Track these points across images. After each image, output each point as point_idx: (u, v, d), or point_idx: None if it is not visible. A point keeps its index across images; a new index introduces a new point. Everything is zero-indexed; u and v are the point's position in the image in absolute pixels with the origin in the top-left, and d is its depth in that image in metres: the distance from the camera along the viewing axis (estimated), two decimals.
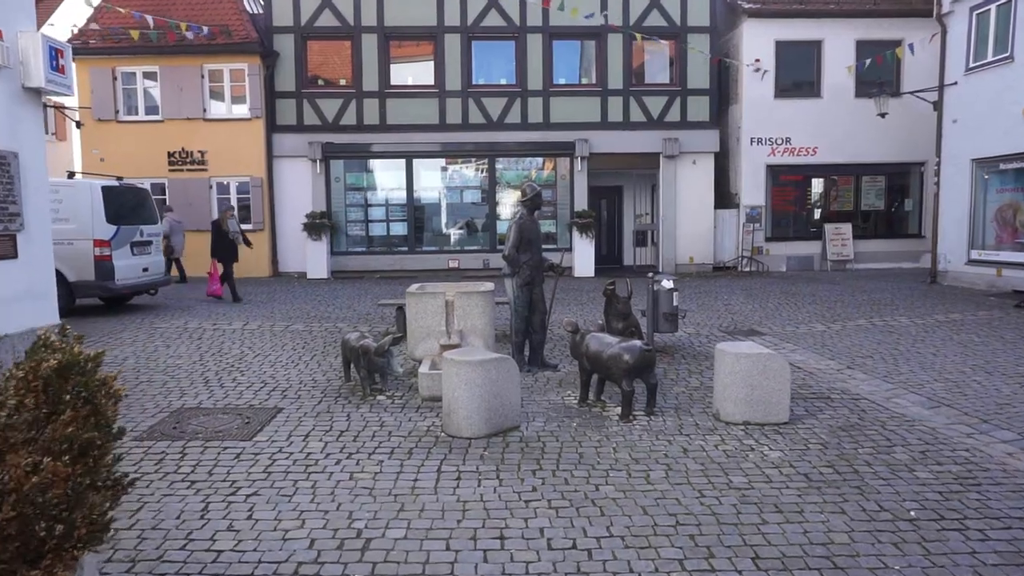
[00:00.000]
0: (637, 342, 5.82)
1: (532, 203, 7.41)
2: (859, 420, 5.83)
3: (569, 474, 4.61)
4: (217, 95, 17.57)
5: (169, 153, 17.34)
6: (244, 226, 17.46)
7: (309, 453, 4.95)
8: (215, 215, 17.27)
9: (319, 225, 17.14)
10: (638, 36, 17.30)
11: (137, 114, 17.48)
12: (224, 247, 12.78)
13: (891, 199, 19.25)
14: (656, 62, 18.60)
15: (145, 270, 11.63)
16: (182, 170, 17.39)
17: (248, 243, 13.39)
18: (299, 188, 17.76)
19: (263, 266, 17.58)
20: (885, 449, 5.10)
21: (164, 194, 17.37)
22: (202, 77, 17.19)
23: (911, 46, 16.20)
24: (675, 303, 8.66)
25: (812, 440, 5.31)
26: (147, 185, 16.89)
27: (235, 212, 13.79)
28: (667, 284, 8.56)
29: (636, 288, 8.73)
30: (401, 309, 9.51)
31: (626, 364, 5.68)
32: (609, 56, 17.99)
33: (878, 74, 18.07)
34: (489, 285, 7.33)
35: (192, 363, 7.77)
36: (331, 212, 17.90)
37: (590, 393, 6.26)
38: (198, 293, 13.95)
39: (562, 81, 18.40)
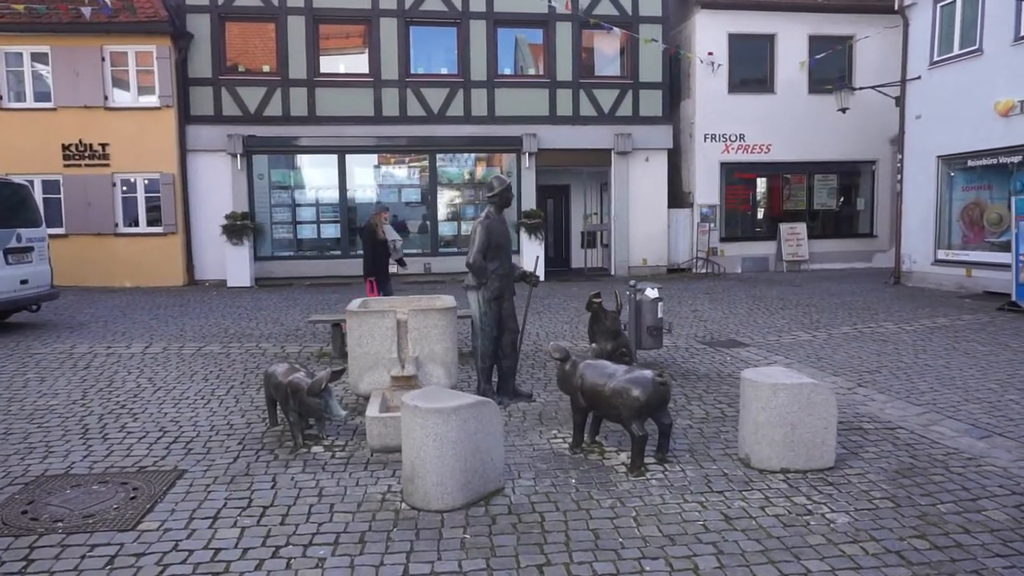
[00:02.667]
0: (647, 372, 4.60)
1: (501, 199, 6.11)
2: (912, 460, 4.78)
3: (590, 569, 3.33)
4: (121, 81, 15.50)
5: (64, 146, 15.17)
6: (152, 228, 15.58)
7: (218, 551, 3.49)
8: (110, 215, 15.27)
9: (240, 227, 15.33)
10: (591, 21, 16.22)
11: (24, 100, 15.23)
12: (379, 260, 9.26)
13: (843, 198, 18.85)
14: (607, 53, 17.59)
15: (24, 282, 9.70)
16: (80, 165, 15.25)
17: (403, 263, 9.73)
18: (217, 186, 15.88)
19: (176, 274, 15.62)
20: (970, 505, 4.04)
21: (59, 192, 15.22)
22: (102, 60, 15.09)
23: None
24: (660, 315, 7.54)
25: (874, 493, 4.21)
26: (37, 182, 14.86)
27: (389, 214, 9.92)
28: (651, 293, 7.44)
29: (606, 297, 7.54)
30: (338, 326, 8.06)
31: (636, 401, 4.46)
32: (558, 46, 16.86)
33: (830, 70, 17.64)
34: (449, 299, 5.99)
35: (70, 404, 6.10)
36: (254, 213, 16.09)
37: (584, 435, 5.01)
38: (97, 308, 12.01)
39: (507, 71, 17.17)
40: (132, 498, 4.07)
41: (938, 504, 4.07)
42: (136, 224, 15.65)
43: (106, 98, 15.25)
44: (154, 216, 15.63)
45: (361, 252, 9.78)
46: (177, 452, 4.89)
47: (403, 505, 4.01)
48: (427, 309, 5.57)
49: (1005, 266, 11.72)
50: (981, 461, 4.76)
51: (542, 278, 5.51)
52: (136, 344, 8.68)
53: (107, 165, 15.32)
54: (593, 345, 5.14)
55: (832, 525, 3.80)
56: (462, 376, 6.69)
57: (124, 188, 15.57)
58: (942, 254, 13.44)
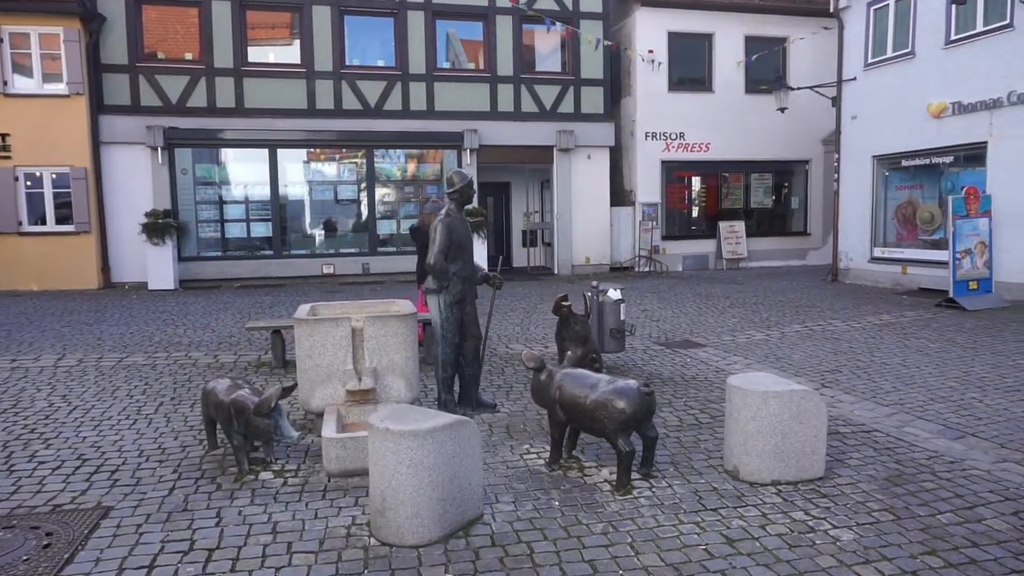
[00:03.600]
0: (631, 382, 4.28)
1: (462, 196, 5.68)
2: (898, 466, 4.63)
3: None
4: (23, 66, 14.18)
5: None
6: (62, 227, 14.35)
7: None
8: (12, 212, 13.97)
9: (162, 226, 14.28)
10: (533, 13, 15.91)
11: None
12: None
13: (778, 197, 19.22)
14: (548, 49, 17.33)
15: None
16: None
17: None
18: (136, 181, 14.76)
19: (89, 276, 14.43)
20: (969, 514, 3.89)
21: None
22: (0, 41, 13.76)
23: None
24: (622, 316, 7.27)
25: (871, 504, 4.01)
26: None
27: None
28: (614, 295, 7.16)
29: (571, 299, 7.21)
30: (277, 333, 7.44)
31: (621, 414, 4.12)
32: (499, 39, 16.47)
33: (765, 71, 17.92)
34: (407, 305, 5.50)
35: None
36: (177, 210, 15.05)
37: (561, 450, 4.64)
38: (5, 312, 10.89)
39: (447, 65, 16.66)
40: (46, 546, 3.45)
41: (937, 515, 3.89)
42: (43, 222, 14.37)
43: (5, 83, 13.91)
44: (64, 213, 14.38)
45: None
46: (100, 485, 4.25)
47: (372, 541, 3.54)
48: (385, 316, 5.08)
49: (939, 263, 12.08)
50: (964, 464, 4.65)
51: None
52: (46, 356, 7.79)
53: (7, 157, 13.99)
54: (569, 353, 4.77)
55: (839, 543, 3.56)
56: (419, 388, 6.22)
57: (28, 183, 14.26)
58: (878, 251, 13.78)
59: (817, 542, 3.58)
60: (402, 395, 5.06)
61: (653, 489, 4.24)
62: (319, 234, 16.38)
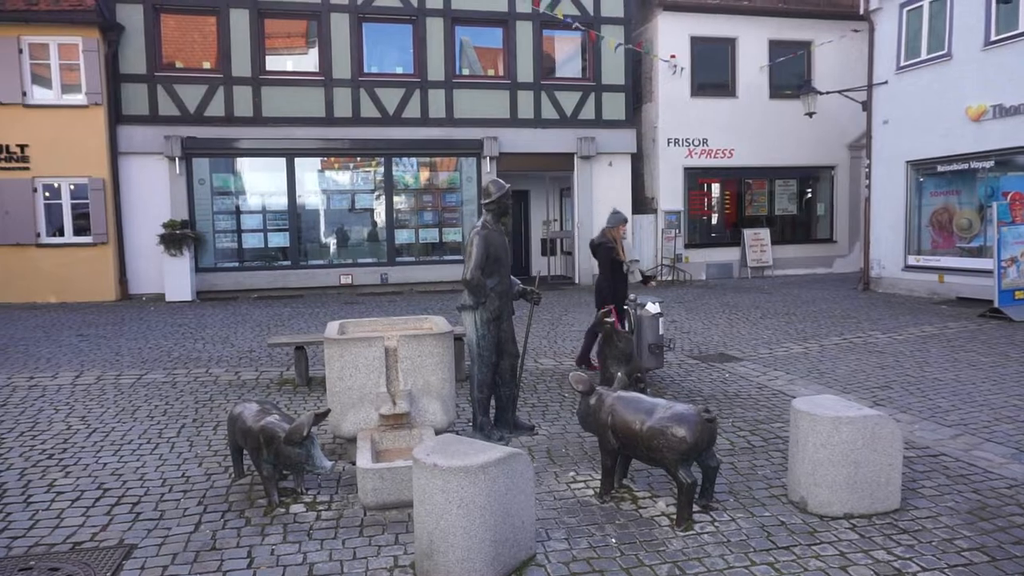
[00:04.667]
0: (689, 408, 3.95)
1: (499, 206, 5.40)
2: (978, 496, 4.28)
3: None
4: (42, 77, 14.08)
5: None
6: (80, 238, 14.22)
7: None
8: (31, 224, 13.81)
9: (180, 237, 14.09)
10: (557, 13, 15.67)
11: None
12: (620, 283, 7.52)
13: (803, 203, 18.82)
14: (568, 55, 17.06)
15: None
16: None
17: (651, 279, 8.57)
18: (153, 192, 14.60)
19: (107, 288, 14.26)
20: None
21: None
22: (20, 52, 13.66)
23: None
24: (661, 331, 6.94)
25: (960, 543, 3.66)
26: None
27: (626, 228, 8.35)
28: (653, 308, 6.83)
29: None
30: (301, 349, 7.17)
31: (682, 443, 3.80)
32: (519, 46, 16.22)
33: (789, 76, 17.58)
34: (442, 322, 5.20)
35: None
36: (195, 221, 14.87)
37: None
38: (16, 328, 10.69)
39: (466, 72, 16.43)
40: None
41: None
42: (61, 233, 14.23)
43: (24, 94, 13.80)
44: (82, 224, 14.24)
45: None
46: (122, 519, 3.97)
47: None
48: (420, 334, 4.78)
49: (980, 272, 11.65)
50: None
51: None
52: (64, 373, 7.56)
53: (27, 168, 13.86)
54: (620, 375, 4.45)
55: None
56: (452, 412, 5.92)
57: (47, 194, 14.13)
58: (912, 260, 13.35)
59: None
60: (438, 419, 4.77)
61: (716, 523, 3.91)
62: (336, 244, 16.15)
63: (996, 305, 10.43)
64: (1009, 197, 10.51)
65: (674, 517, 3.93)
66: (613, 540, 3.71)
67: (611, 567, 3.43)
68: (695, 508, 4.05)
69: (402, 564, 3.43)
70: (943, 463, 4.87)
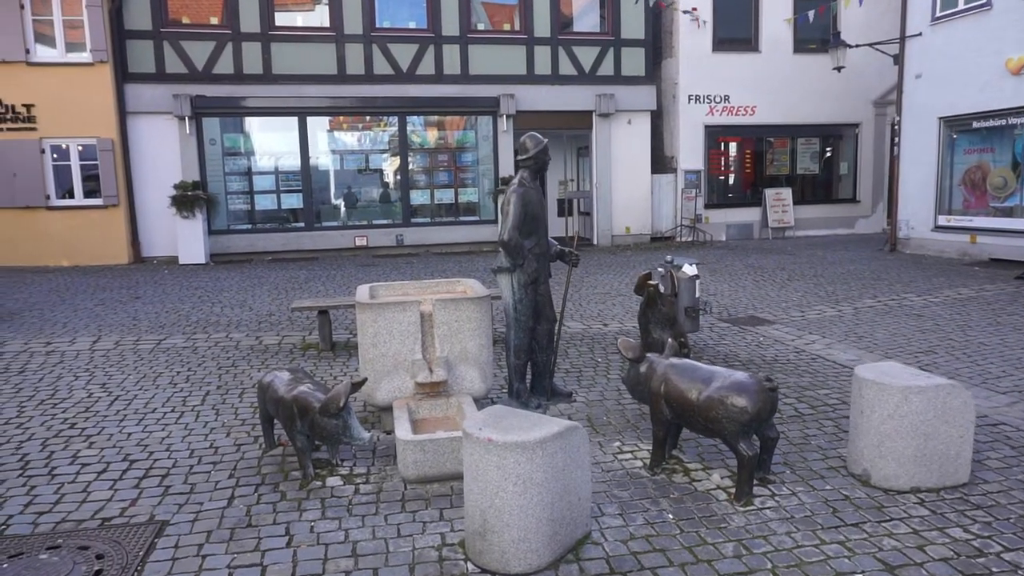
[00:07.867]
0: (750, 376, 3.71)
1: (537, 163, 5.10)
2: None
3: None
4: (45, 34, 13.68)
5: None
6: (90, 200, 13.97)
7: None
8: (40, 186, 13.57)
9: (192, 198, 13.82)
10: None
11: None
12: None
13: (825, 162, 18.32)
14: (586, 8, 16.45)
15: None
16: (1, 129, 13.46)
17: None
18: (164, 152, 14.29)
19: (119, 250, 14.06)
20: None
21: None
22: (21, 8, 13.24)
23: None
24: (697, 293, 6.69)
25: None
26: None
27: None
28: (689, 270, 6.58)
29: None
30: (324, 313, 6.96)
31: (743, 413, 3.57)
32: None
33: (813, 30, 16.91)
34: (477, 286, 4.95)
35: (2, 424, 4.89)
36: (206, 182, 14.58)
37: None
38: (29, 292, 10.52)
39: (481, 27, 15.88)
40: (97, 572, 2.99)
41: None
42: (71, 196, 13.98)
43: (28, 52, 13.42)
44: (92, 186, 13.97)
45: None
46: (151, 493, 3.79)
47: (470, 566, 3.05)
48: (456, 298, 4.54)
49: (1015, 232, 11.28)
50: None
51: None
52: (82, 338, 7.38)
53: (33, 129, 13.56)
54: (670, 341, 4.21)
55: (1021, 573, 3.00)
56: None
57: (55, 155, 13.84)
58: (943, 220, 12.96)
59: (994, 570, 3.02)
60: (476, 387, 4.55)
61: (776, 498, 3.70)
62: (350, 205, 15.84)
63: None
64: None
65: (731, 491, 3.73)
66: (670, 516, 3.51)
67: (672, 545, 3.23)
68: (754, 481, 3.84)
69: (450, 542, 3.24)
70: (1004, 433, 4.63)
